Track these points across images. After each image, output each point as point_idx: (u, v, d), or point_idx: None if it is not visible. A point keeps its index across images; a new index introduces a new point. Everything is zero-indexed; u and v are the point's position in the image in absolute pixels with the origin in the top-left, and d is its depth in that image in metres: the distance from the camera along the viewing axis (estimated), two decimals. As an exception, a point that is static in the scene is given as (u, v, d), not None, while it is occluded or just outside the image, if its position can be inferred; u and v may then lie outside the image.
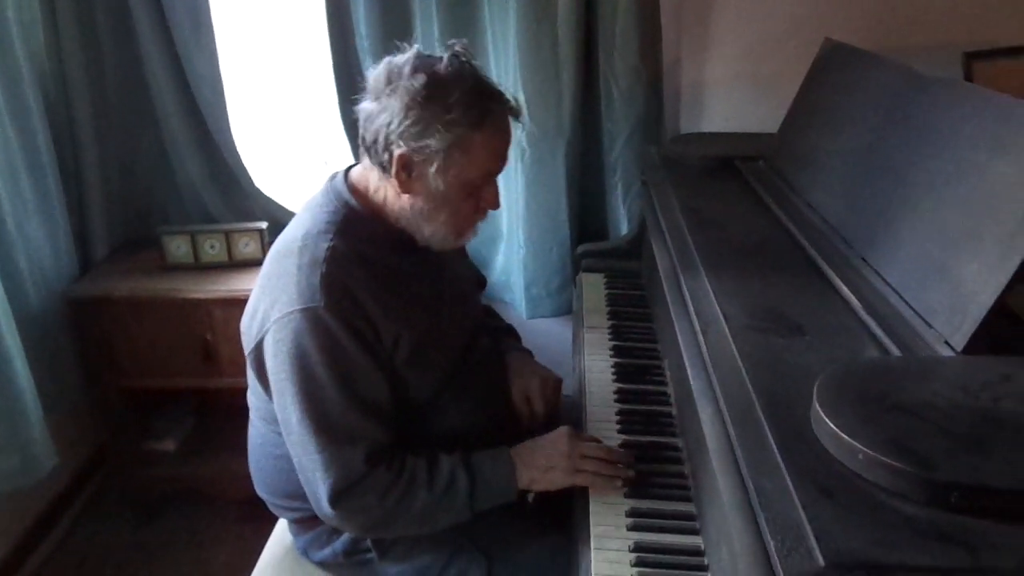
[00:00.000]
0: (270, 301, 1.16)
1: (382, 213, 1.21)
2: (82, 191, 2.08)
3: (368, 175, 1.22)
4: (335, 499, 1.13)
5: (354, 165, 1.27)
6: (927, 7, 1.87)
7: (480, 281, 1.64)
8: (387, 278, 1.18)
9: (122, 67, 2.06)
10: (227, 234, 2.07)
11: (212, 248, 2.08)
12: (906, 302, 0.99)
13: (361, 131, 1.16)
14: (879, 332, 0.96)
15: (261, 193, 2.20)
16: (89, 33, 1.99)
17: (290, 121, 2.33)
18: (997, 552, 0.63)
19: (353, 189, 1.22)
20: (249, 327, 1.21)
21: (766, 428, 0.80)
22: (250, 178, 2.18)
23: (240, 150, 2.16)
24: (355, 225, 1.19)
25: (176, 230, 2.08)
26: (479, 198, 1.21)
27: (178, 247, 2.07)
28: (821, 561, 0.62)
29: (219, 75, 2.05)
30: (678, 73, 2.05)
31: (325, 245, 1.15)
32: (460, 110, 1.10)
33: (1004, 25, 1.64)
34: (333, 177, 1.26)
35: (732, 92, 2.05)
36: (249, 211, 2.20)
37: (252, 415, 1.34)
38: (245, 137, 2.18)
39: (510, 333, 1.58)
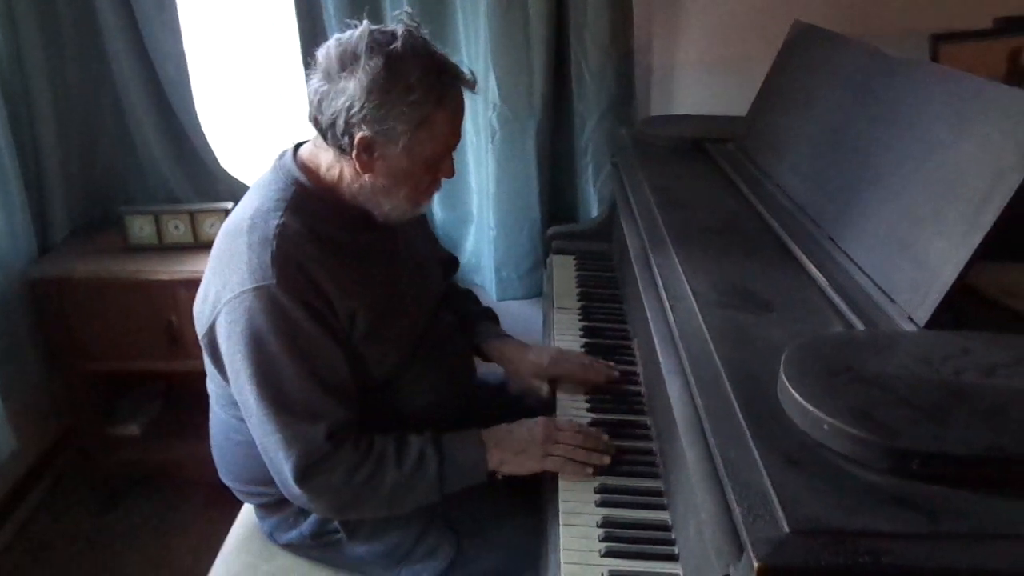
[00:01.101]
0: (221, 282, 1.14)
1: (336, 190, 1.19)
2: (40, 170, 2.03)
3: (319, 153, 1.19)
4: (300, 477, 1.12)
5: (302, 143, 1.25)
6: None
7: (450, 261, 1.63)
8: (340, 254, 1.17)
9: (82, 43, 2.01)
10: (192, 214, 2.04)
11: (176, 229, 2.04)
12: (871, 279, 1.01)
13: (313, 112, 1.14)
14: (845, 308, 0.97)
15: (227, 173, 2.16)
16: (46, 8, 1.94)
17: (256, 99, 2.29)
18: (956, 518, 0.64)
19: (303, 167, 1.20)
20: (201, 311, 1.19)
21: (733, 400, 0.80)
22: (215, 157, 2.14)
23: (205, 129, 2.11)
24: (306, 202, 1.17)
25: (139, 210, 2.04)
26: (437, 170, 1.20)
27: (141, 228, 2.03)
28: (786, 527, 0.63)
29: (183, 52, 2.01)
30: (649, 55, 2.05)
31: (275, 222, 1.13)
32: (422, 90, 1.09)
33: (971, 9, 1.66)
34: (282, 155, 1.23)
35: (703, 74, 2.06)
36: (214, 191, 2.16)
37: (212, 402, 1.32)
38: (210, 116, 2.14)
39: (488, 317, 1.57)
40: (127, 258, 1.99)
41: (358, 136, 1.10)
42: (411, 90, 1.08)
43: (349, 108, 1.09)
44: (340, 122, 1.10)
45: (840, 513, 0.64)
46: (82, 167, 2.13)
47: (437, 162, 1.19)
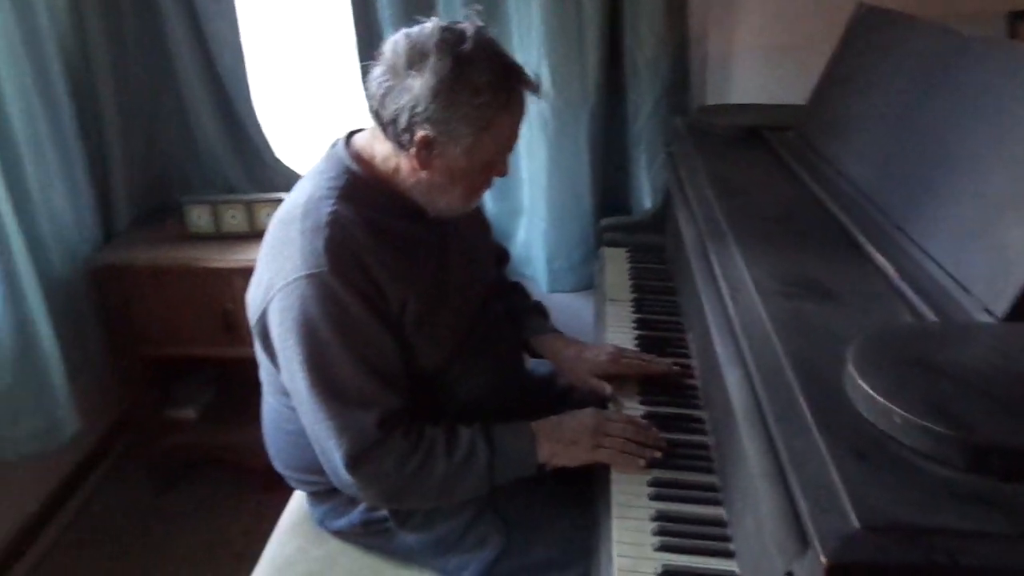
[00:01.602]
0: (274, 270, 1.14)
1: (390, 181, 1.19)
2: (105, 160, 2.09)
3: (375, 144, 1.19)
4: (351, 465, 1.12)
5: (355, 132, 1.25)
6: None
7: (501, 253, 1.62)
8: (392, 242, 1.16)
9: (144, 36, 2.06)
10: (248, 204, 2.07)
11: (233, 218, 2.07)
12: (944, 269, 0.96)
13: (375, 105, 1.13)
14: (915, 299, 0.93)
15: (282, 164, 2.19)
16: (110, 2, 1.98)
17: (310, 91, 2.32)
18: (1040, 517, 0.61)
19: (356, 156, 1.20)
20: (254, 298, 1.20)
21: (797, 391, 0.78)
22: (271, 149, 2.18)
23: (261, 121, 2.15)
24: (358, 190, 1.17)
25: (198, 200, 2.08)
26: (492, 170, 1.20)
27: (199, 217, 2.06)
28: (856, 522, 0.60)
29: (240, 43, 2.04)
30: (704, 42, 2.00)
31: (327, 210, 1.13)
32: (489, 93, 1.08)
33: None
34: (334, 144, 1.23)
35: (760, 61, 2.00)
36: (270, 182, 2.19)
37: (264, 390, 1.33)
38: (266, 108, 2.17)
39: (538, 311, 1.55)
40: (186, 246, 2.03)
41: (420, 134, 1.10)
42: (478, 93, 1.07)
43: (414, 106, 1.08)
44: (403, 119, 1.09)
45: (913, 509, 0.61)
46: (144, 157, 2.18)
47: (493, 163, 1.18)
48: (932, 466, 0.66)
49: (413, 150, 1.11)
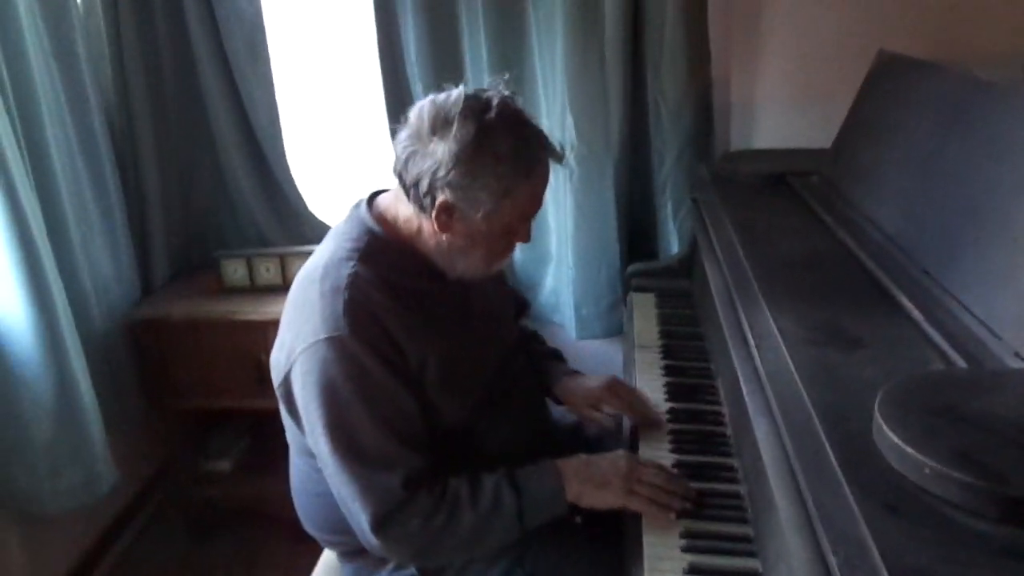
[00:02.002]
0: (295, 332, 1.15)
1: (412, 242, 1.20)
2: (144, 217, 2.16)
3: (398, 204, 1.20)
4: (377, 527, 1.12)
5: (379, 192, 1.27)
6: (984, 14, 1.81)
7: (520, 303, 1.63)
8: (411, 302, 1.17)
9: (183, 98, 2.15)
10: (282, 257, 2.12)
11: (267, 271, 2.12)
12: (972, 313, 0.95)
13: (399, 167, 1.15)
14: (944, 345, 0.93)
15: (315, 217, 2.25)
16: (152, 64, 2.08)
17: (343, 146, 2.38)
18: (1078, 571, 0.59)
19: (379, 216, 1.22)
20: (277, 360, 1.21)
21: (825, 442, 0.77)
22: (304, 202, 2.23)
23: (295, 175, 2.21)
24: (379, 252, 1.18)
25: (233, 254, 2.14)
26: (514, 235, 1.21)
27: (235, 270, 2.12)
28: (886, 577, 0.59)
29: (274, 101, 2.11)
30: (727, 90, 2.03)
31: (347, 272, 1.14)
32: (510, 162, 1.10)
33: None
34: (357, 205, 1.25)
35: (783, 108, 2.02)
36: (303, 235, 2.24)
37: (291, 451, 1.33)
38: (299, 162, 2.23)
39: (555, 356, 1.56)
40: (221, 300, 2.08)
41: (440, 199, 1.11)
42: (500, 161, 1.09)
43: (435, 171, 1.09)
44: (424, 183, 1.11)
45: (946, 564, 0.60)
46: (182, 214, 2.26)
47: (515, 229, 1.19)
48: (964, 518, 0.65)
49: (434, 213, 1.13)
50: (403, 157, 1.13)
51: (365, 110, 2.25)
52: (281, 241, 2.25)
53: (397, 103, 2.05)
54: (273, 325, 1.95)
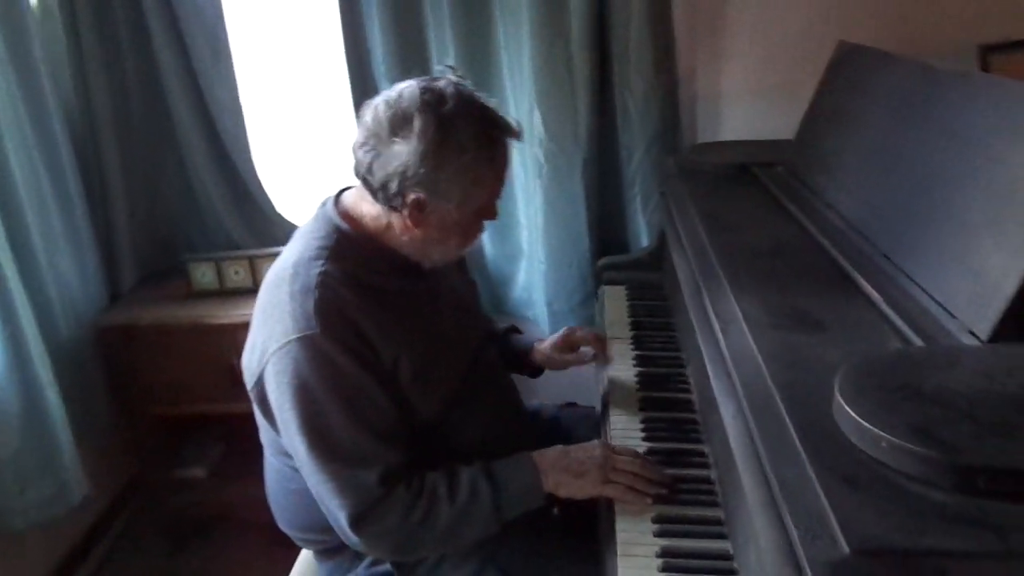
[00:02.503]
0: (267, 333, 1.15)
1: (380, 238, 1.21)
2: (109, 222, 2.13)
3: (362, 204, 1.21)
4: (356, 524, 1.12)
5: (344, 190, 1.27)
6: (939, 7, 1.86)
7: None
8: (381, 299, 1.18)
9: (145, 99, 2.12)
10: (251, 259, 2.11)
11: (237, 274, 2.11)
12: (929, 295, 0.98)
13: (362, 172, 1.15)
14: (902, 325, 0.95)
15: (283, 218, 2.23)
16: (114, 67, 2.05)
17: (310, 147, 2.37)
18: (1028, 535, 0.61)
19: (345, 215, 1.22)
20: (249, 362, 1.21)
21: (787, 421, 0.79)
22: (272, 204, 2.22)
23: (261, 176, 2.20)
24: (348, 249, 1.18)
25: (201, 257, 2.12)
26: (484, 215, 1.23)
27: (203, 274, 2.10)
28: (846, 548, 0.61)
29: (239, 103, 2.10)
30: (693, 84, 2.05)
31: (317, 271, 1.14)
32: (474, 150, 1.11)
33: (1017, 18, 1.62)
34: (323, 204, 1.25)
35: (748, 100, 2.05)
36: (272, 236, 2.23)
37: (266, 451, 1.33)
38: (266, 163, 2.22)
39: (514, 330, 1.62)
40: (190, 304, 2.07)
41: (411, 197, 1.12)
42: (464, 151, 1.10)
43: (403, 172, 1.10)
44: (394, 185, 1.11)
45: (903, 532, 0.62)
46: (148, 218, 2.23)
47: (484, 210, 1.21)
48: (920, 489, 0.66)
49: (406, 211, 1.14)
50: (366, 162, 1.13)
51: (332, 110, 2.24)
52: (250, 243, 2.23)
53: (364, 101, 2.04)
54: (244, 328, 1.93)
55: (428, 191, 1.11)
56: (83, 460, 1.87)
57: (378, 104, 1.13)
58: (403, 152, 1.09)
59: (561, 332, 1.54)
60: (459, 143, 1.10)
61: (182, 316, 2.02)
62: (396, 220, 1.18)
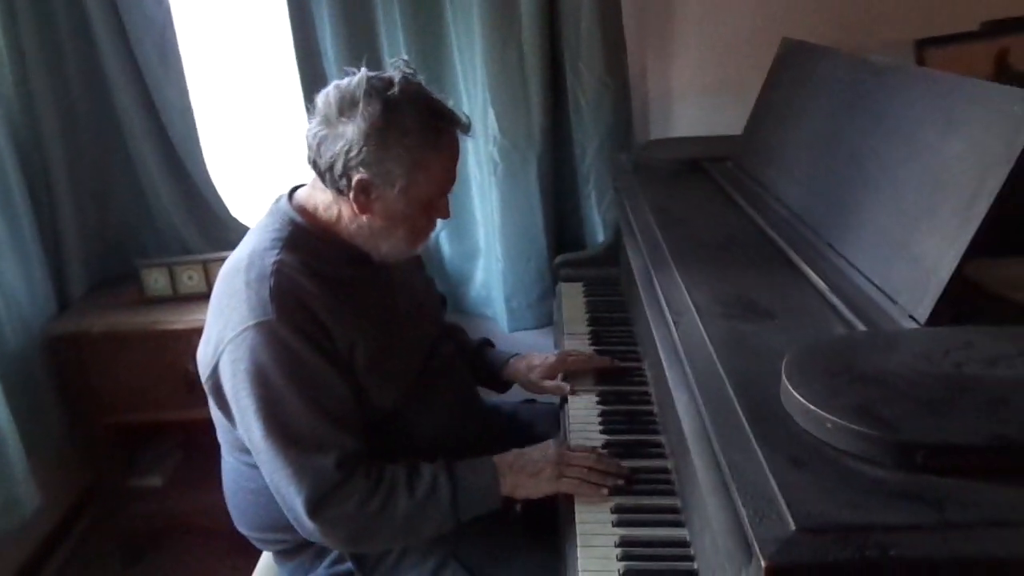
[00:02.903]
0: (222, 323, 1.16)
1: (333, 229, 1.22)
2: (57, 229, 2.08)
3: (316, 195, 1.22)
4: (312, 510, 1.12)
5: (299, 186, 1.28)
6: (878, 1, 1.92)
7: (441, 300, 1.65)
8: (337, 289, 1.19)
9: (92, 103, 2.07)
10: (205, 264, 2.07)
11: (191, 279, 2.07)
12: (871, 281, 1.01)
13: (312, 155, 1.17)
14: (846, 311, 0.98)
15: (237, 221, 2.21)
16: (57, 71, 2.01)
17: (263, 149, 2.34)
18: (963, 508, 0.64)
19: (299, 208, 1.23)
20: (204, 354, 1.21)
21: (737, 407, 0.81)
22: (225, 207, 2.19)
23: (214, 179, 2.17)
24: (302, 240, 1.19)
25: (154, 263, 2.08)
26: (433, 211, 1.23)
27: (156, 280, 2.06)
28: (792, 525, 0.63)
29: (189, 106, 2.07)
30: (645, 82, 2.08)
31: (272, 260, 1.15)
32: (418, 134, 1.13)
33: (957, 15, 1.68)
34: (277, 200, 1.26)
35: (699, 97, 2.08)
36: (226, 240, 2.19)
37: (223, 450, 1.32)
38: (219, 166, 2.19)
39: (488, 344, 1.61)
40: (143, 310, 2.03)
41: (356, 178, 1.13)
42: (407, 134, 1.12)
43: (347, 151, 1.12)
44: (339, 165, 1.13)
45: (846, 509, 0.64)
46: (98, 224, 2.18)
47: (433, 204, 1.21)
48: (863, 467, 0.69)
49: (351, 195, 1.15)
50: (315, 144, 1.15)
51: (283, 111, 2.22)
52: (203, 248, 2.20)
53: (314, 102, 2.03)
54: (199, 334, 1.91)
55: (372, 172, 1.13)
56: (34, 471, 1.83)
57: (330, 90, 1.15)
58: (348, 132, 1.12)
59: (555, 358, 1.49)
60: (402, 125, 1.12)
61: (135, 323, 1.99)
62: (345, 208, 1.19)
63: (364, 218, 1.18)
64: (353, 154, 1.11)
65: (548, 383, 1.47)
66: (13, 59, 1.93)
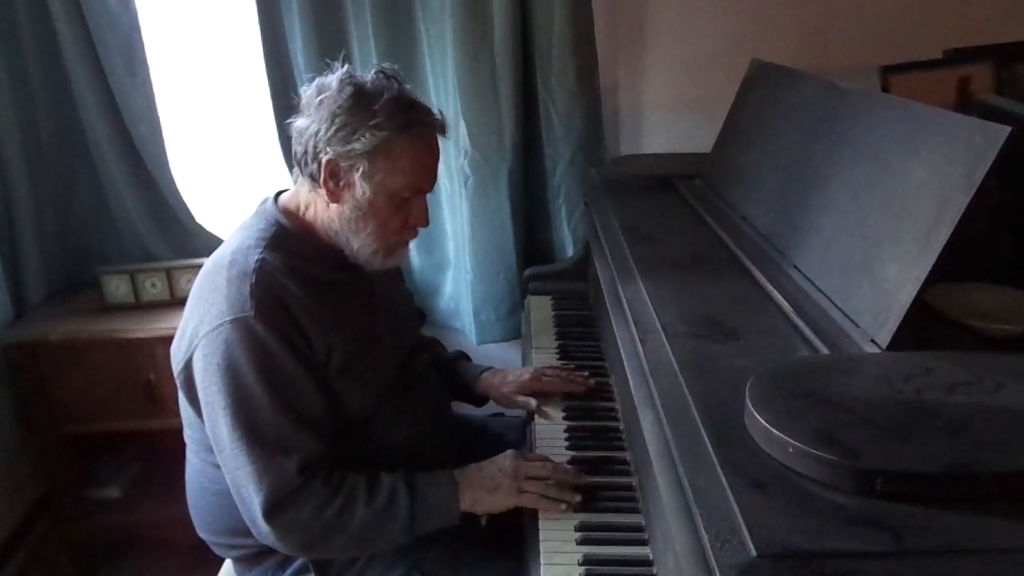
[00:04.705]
0: (199, 317, 1.15)
1: (313, 230, 1.23)
2: (15, 233, 2.03)
3: (298, 194, 1.24)
4: (269, 512, 1.11)
5: (284, 191, 1.29)
6: (847, 28, 1.96)
7: (419, 313, 1.65)
8: (318, 291, 1.19)
9: (54, 107, 2.03)
10: (168, 272, 2.04)
11: (153, 287, 2.04)
12: (835, 304, 1.02)
13: (293, 148, 1.19)
14: (810, 334, 0.99)
15: (203, 229, 2.17)
16: (19, 75, 1.96)
17: (230, 156, 2.31)
18: (921, 535, 0.65)
19: (284, 210, 1.24)
20: (178, 348, 1.20)
21: (701, 429, 0.81)
22: (190, 214, 2.16)
23: (180, 186, 2.13)
24: (286, 241, 1.20)
25: (115, 269, 2.04)
26: (407, 213, 1.22)
27: (117, 287, 2.02)
28: (753, 551, 0.63)
29: (155, 111, 2.03)
30: (616, 97, 2.10)
31: (255, 258, 1.16)
32: (384, 115, 1.14)
33: (918, 42, 1.73)
34: (264, 201, 1.28)
35: (669, 114, 2.10)
36: (191, 248, 2.16)
37: (188, 449, 1.31)
38: (184, 173, 2.16)
39: (463, 357, 1.60)
40: (104, 318, 1.98)
41: (324, 159, 1.15)
42: (374, 115, 1.13)
43: (316, 133, 1.14)
44: (309, 148, 1.16)
45: (806, 536, 0.64)
46: (58, 230, 2.13)
47: (404, 202, 1.20)
48: (824, 492, 0.69)
49: (321, 179, 1.16)
50: (295, 137, 1.17)
51: (252, 119, 2.19)
52: (168, 255, 2.16)
53: (284, 110, 2.00)
54: (162, 342, 1.90)
55: (337, 153, 1.14)
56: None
57: (313, 84, 1.18)
58: (319, 116, 1.14)
59: (529, 375, 1.47)
60: (370, 108, 1.13)
61: (94, 331, 1.94)
62: (320, 201, 1.21)
63: (334, 208, 1.19)
64: (321, 134, 1.13)
65: (519, 397, 1.46)
66: (-27, 60, 1.89)
